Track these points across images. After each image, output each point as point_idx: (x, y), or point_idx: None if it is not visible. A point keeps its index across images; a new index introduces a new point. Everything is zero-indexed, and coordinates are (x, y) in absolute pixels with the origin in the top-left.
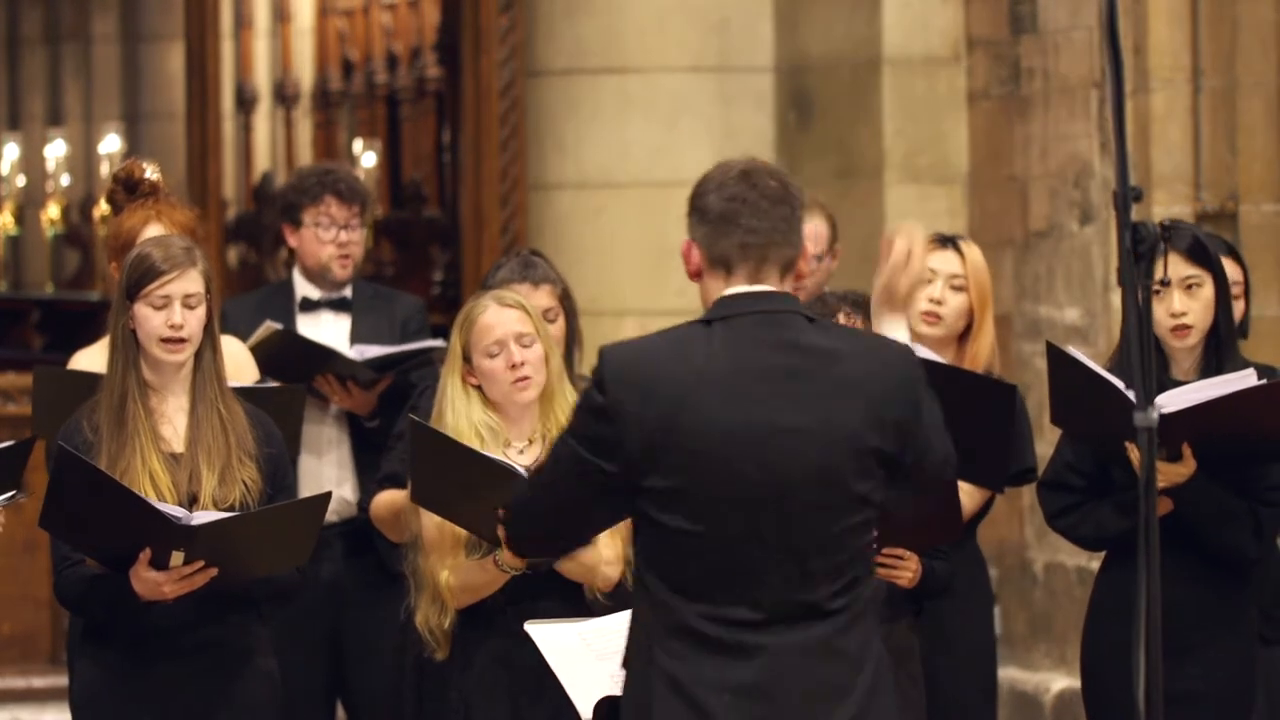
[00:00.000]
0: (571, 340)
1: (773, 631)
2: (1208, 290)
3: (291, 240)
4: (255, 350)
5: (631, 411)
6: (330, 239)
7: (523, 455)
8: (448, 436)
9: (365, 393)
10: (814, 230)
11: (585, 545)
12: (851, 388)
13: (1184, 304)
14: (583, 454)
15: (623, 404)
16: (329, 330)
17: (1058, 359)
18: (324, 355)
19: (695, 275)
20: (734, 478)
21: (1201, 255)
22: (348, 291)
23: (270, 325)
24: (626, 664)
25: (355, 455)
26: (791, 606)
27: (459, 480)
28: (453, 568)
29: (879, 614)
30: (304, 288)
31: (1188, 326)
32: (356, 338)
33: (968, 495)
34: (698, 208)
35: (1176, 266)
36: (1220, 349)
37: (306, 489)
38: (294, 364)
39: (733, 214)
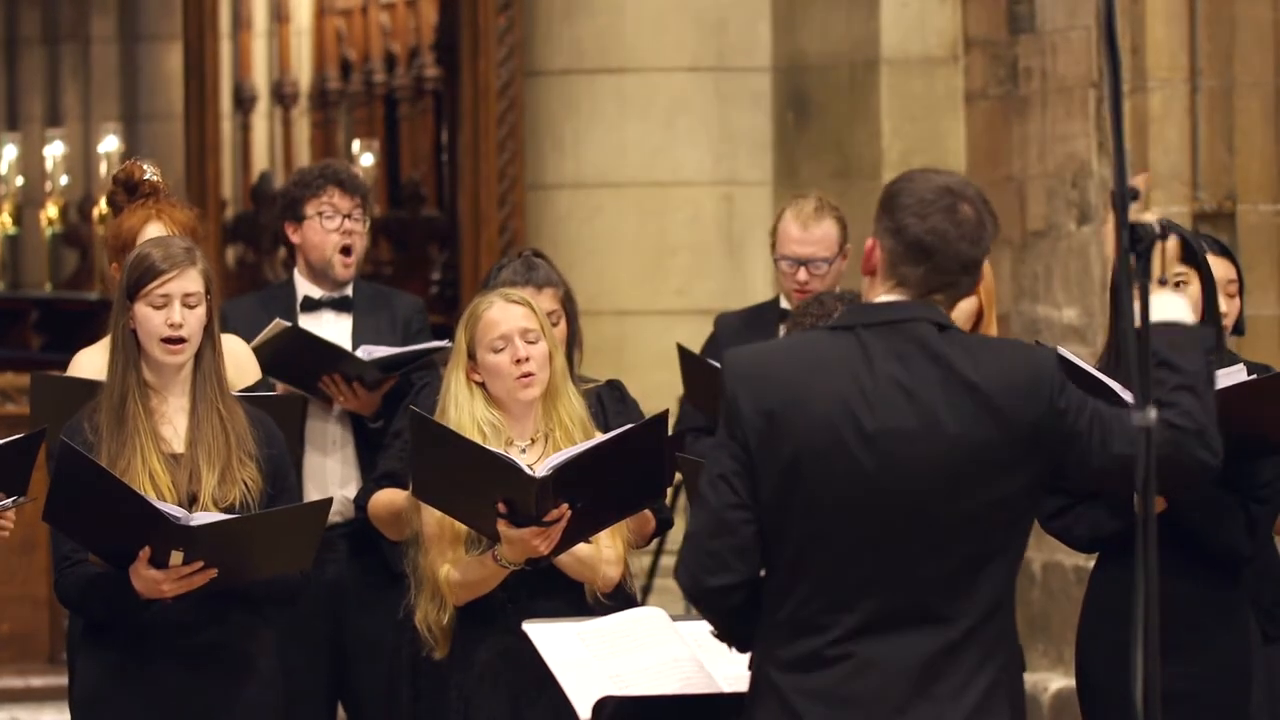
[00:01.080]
0: (572, 342)
1: (876, 641)
2: (1194, 288)
3: (294, 237)
4: (263, 347)
5: (749, 412)
6: (334, 228)
7: (524, 454)
8: (450, 430)
9: (370, 394)
10: (825, 233)
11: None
12: (973, 392)
13: None
14: (728, 442)
15: (738, 399)
16: (330, 330)
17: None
18: (334, 354)
19: (869, 273)
20: (839, 480)
21: (1188, 254)
22: (349, 291)
23: (280, 323)
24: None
25: (360, 455)
26: (898, 615)
27: (460, 475)
28: (453, 562)
29: (1009, 632)
30: (305, 287)
31: None
32: (358, 337)
33: None
34: (895, 221)
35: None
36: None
37: (311, 489)
38: (302, 362)
39: (929, 248)
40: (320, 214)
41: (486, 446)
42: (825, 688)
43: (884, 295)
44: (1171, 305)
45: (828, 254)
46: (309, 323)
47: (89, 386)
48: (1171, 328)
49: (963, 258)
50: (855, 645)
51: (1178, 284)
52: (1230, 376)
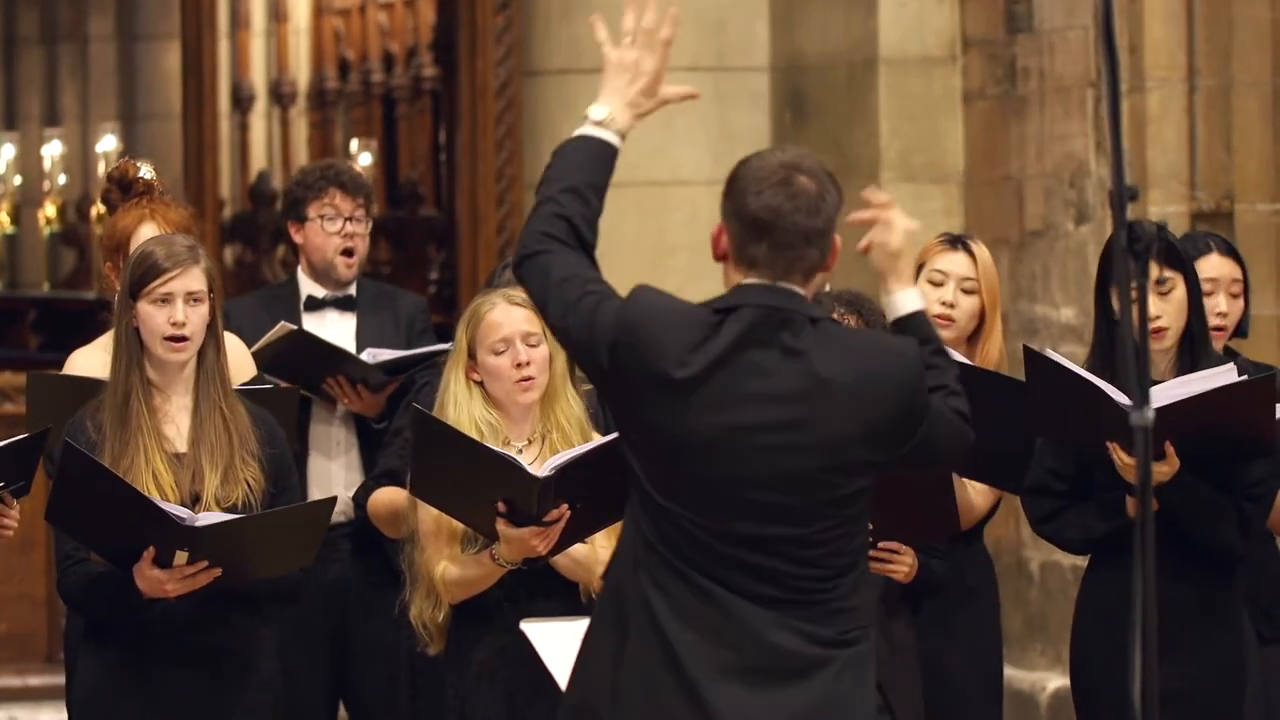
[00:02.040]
0: None
1: (744, 602)
2: (1180, 292)
3: (297, 237)
4: (267, 349)
5: (629, 376)
6: (336, 230)
7: (521, 454)
8: (452, 428)
9: (374, 396)
10: None
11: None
12: (838, 395)
13: (1158, 306)
14: (595, 325)
15: (621, 359)
16: (334, 329)
17: (1036, 363)
18: (337, 357)
19: (720, 259)
20: (703, 472)
21: (1173, 257)
22: (352, 290)
23: (285, 325)
24: (606, 573)
25: (364, 458)
26: (762, 596)
27: (460, 473)
28: (449, 559)
29: (873, 609)
30: (308, 286)
31: (1162, 329)
32: (362, 336)
33: (980, 495)
34: (734, 201)
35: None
36: (1194, 349)
37: (317, 490)
38: (305, 365)
39: (766, 224)
40: (322, 216)
41: (489, 445)
42: (694, 620)
43: (739, 279)
44: (913, 299)
45: None
46: (312, 322)
47: (85, 385)
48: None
49: (801, 229)
50: (721, 591)
51: (1162, 288)
52: (1221, 376)
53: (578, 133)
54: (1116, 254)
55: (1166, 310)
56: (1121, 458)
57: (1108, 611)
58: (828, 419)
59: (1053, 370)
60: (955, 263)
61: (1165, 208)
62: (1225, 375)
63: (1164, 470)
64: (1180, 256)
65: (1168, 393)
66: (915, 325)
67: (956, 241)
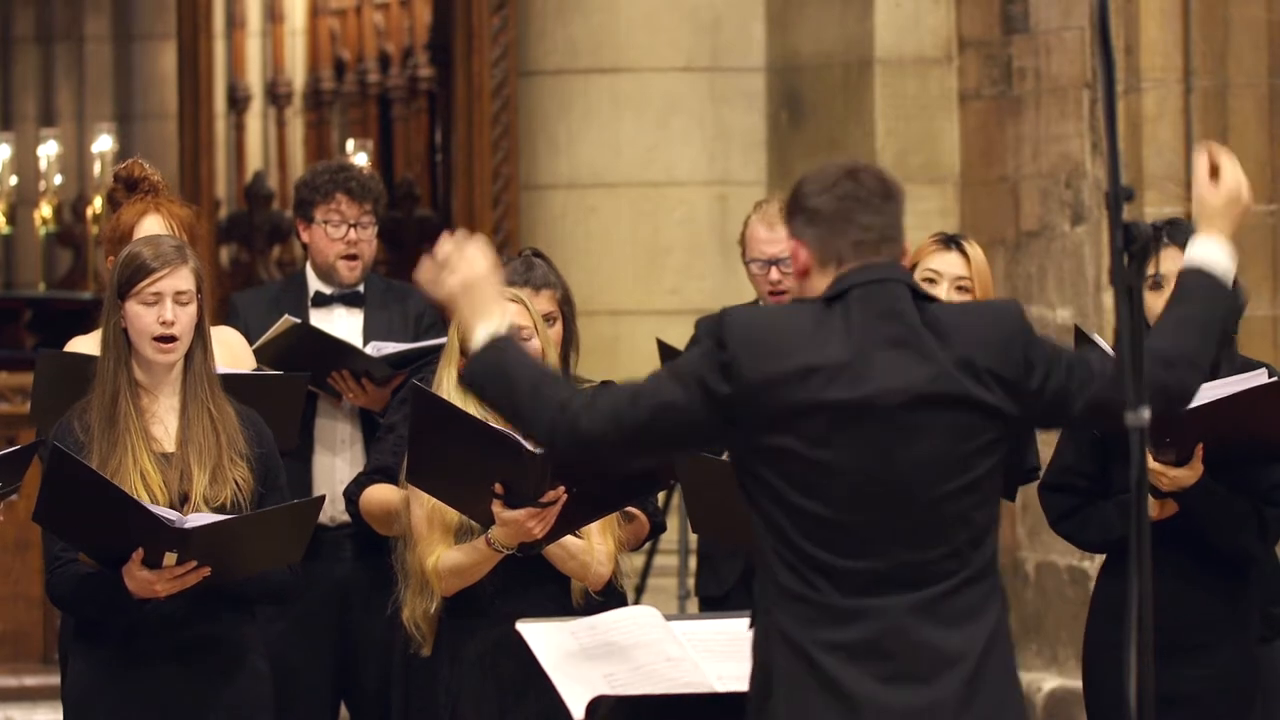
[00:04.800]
0: (568, 343)
1: (885, 595)
2: None
3: (304, 236)
4: (271, 344)
5: (751, 376)
6: (340, 236)
7: None
8: (452, 404)
9: (379, 390)
10: None
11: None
12: (955, 351)
13: None
14: (699, 373)
15: (741, 365)
16: (342, 325)
17: (1083, 342)
18: (342, 350)
19: (803, 274)
20: (844, 448)
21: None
22: (360, 287)
23: (289, 319)
24: (751, 623)
25: (369, 453)
26: (905, 569)
27: (458, 452)
28: (443, 548)
29: (998, 576)
30: (317, 282)
31: None
32: (369, 333)
33: None
34: (806, 209)
35: (1177, 261)
36: (1220, 344)
37: (321, 486)
38: (310, 359)
39: (847, 212)
40: (327, 221)
41: (488, 422)
42: (837, 638)
43: (827, 280)
44: (1213, 251)
45: None
46: (320, 318)
47: (93, 364)
48: (1202, 275)
49: (877, 211)
50: (862, 599)
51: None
52: (1253, 378)
53: (478, 349)
54: (1113, 254)
55: None
56: (1154, 466)
57: (1123, 613)
58: (951, 375)
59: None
60: (949, 262)
61: (1161, 208)
62: (1257, 377)
63: (1188, 476)
64: None
65: (1204, 392)
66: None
67: (950, 241)
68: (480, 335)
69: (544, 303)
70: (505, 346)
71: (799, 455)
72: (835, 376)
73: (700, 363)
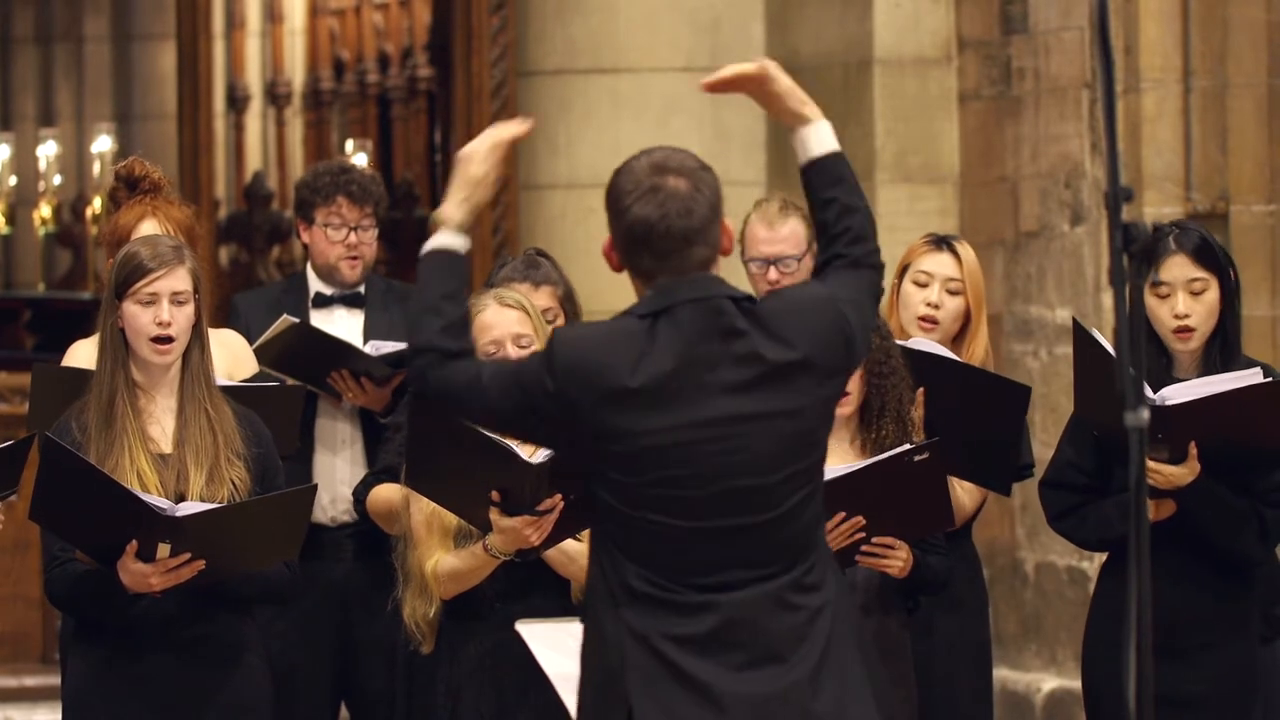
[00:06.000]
0: None
1: (726, 593)
2: (1213, 294)
3: (305, 237)
4: (270, 344)
5: (582, 406)
6: (340, 239)
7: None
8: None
9: (379, 389)
10: (792, 231)
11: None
12: (788, 363)
13: (1188, 306)
14: (531, 392)
15: (570, 397)
16: (342, 326)
17: (1082, 338)
18: (341, 350)
19: (619, 270)
20: (680, 471)
21: (1208, 257)
22: (361, 287)
23: (287, 319)
24: (584, 615)
25: (369, 453)
26: (746, 579)
27: (457, 460)
28: (441, 552)
29: (838, 571)
30: (317, 283)
31: (1190, 329)
32: (370, 333)
33: (968, 494)
34: (611, 217)
35: (1183, 268)
36: (1225, 351)
37: (321, 486)
38: (310, 358)
39: (642, 237)
40: (328, 224)
41: (485, 432)
42: (682, 631)
43: (643, 287)
44: (827, 135)
45: (795, 251)
46: (321, 319)
47: (89, 378)
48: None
49: (678, 233)
50: (701, 596)
51: (1195, 288)
52: (1247, 377)
53: (427, 248)
54: (1113, 255)
55: (1196, 310)
56: (1149, 464)
57: (1122, 616)
58: (783, 389)
59: (1092, 347)
60: (940, 263)
61: (1160, 209)
62: (1250, 377)
63: (1185, 475)
64: (1215, 257)
65: (1192, 389)
66: (832, 167)
67: (941, 242)
68: (440, 234)
69: (543, 299)
70: (441, 262)
71: (625, 478)
72: (657, 399)
73: (532, 382)
